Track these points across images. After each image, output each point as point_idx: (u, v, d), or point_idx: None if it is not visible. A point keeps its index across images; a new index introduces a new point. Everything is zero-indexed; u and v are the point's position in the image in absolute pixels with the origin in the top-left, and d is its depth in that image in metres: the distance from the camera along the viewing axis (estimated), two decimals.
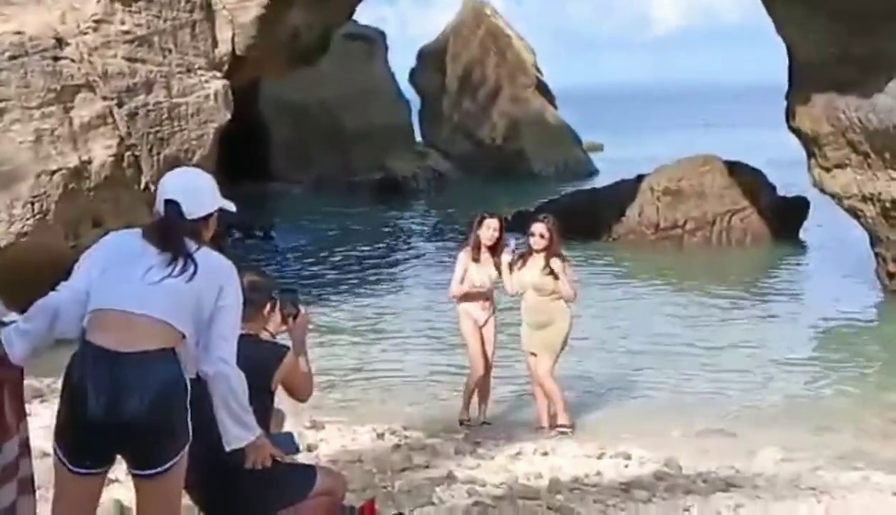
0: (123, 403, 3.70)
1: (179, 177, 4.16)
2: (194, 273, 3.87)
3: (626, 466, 7.68)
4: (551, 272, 8.67)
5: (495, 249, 8.92)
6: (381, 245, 22.33)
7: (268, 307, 5.08)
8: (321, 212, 26.82)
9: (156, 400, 3.73)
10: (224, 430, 4.02)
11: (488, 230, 8.89)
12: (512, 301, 9.36)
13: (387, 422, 8.98)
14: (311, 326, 5.31)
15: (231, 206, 4.22)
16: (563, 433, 8.75)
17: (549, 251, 8.71)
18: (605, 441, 8.53)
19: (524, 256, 8.85)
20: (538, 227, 8.76)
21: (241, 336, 4.14)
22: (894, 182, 14.63)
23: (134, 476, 3.88)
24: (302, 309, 5.17)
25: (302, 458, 6.42)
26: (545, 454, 8.00)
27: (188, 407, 3.84)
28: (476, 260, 8.92)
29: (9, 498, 3.85)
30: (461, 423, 9.13)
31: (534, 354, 8.91)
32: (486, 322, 9.03)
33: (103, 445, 3.79)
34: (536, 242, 8.74)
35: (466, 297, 9.02)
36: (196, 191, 4.07)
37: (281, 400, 5.10)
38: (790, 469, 7.71)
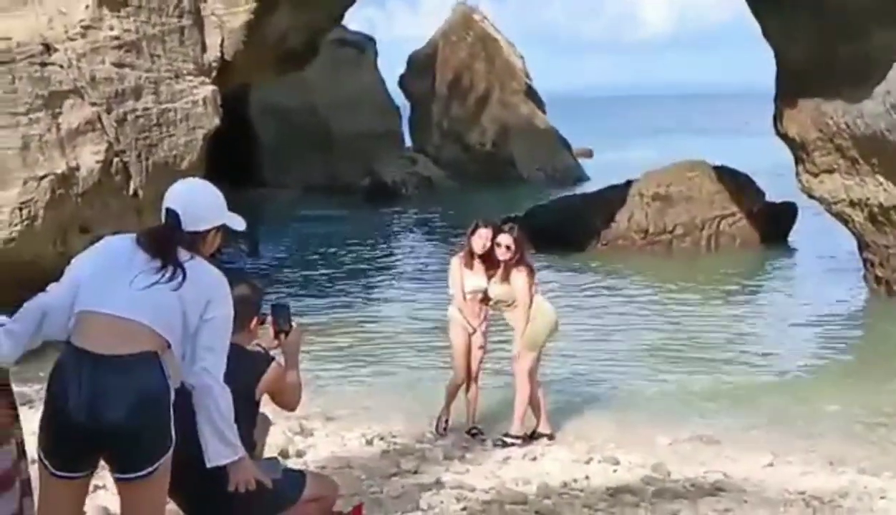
0: (104, 406, 3.69)
1: (185, 188, 4.14)
2: (182, 282, 3.86)
3: (615, 471, 7.68)
4: (507, 282, 8.61)
5: (488, 258, 8.87)
6: (368, 250, 22.32)
7: (254, 321, 5.02)
8: (309, 218, 26.79)
9: (137, 404, 3.72)
10: (206, 446, 3.96)
11: (480, 239, 8.82)
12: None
13: (376, 428, 8.97)
14: (303, 342, 5.25)
15: (239, 224, 4.17)
16: (505, 443, 8.52)
17: (511, 263, 8.61)
18: (593, 446, 8.53)
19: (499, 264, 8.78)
20: (503, 238, 8.66)
21: None
22: (882, 187, 14.67)
23: (117, 480, 3.87)
24: (294, 324, 5.13)
25: (291, 464, 6.43)
26: (534, 459, 8.01)
27: (171, 411, 3.82)
28: (469, 266, 8.88)
29: (14, 500, 3.83)
30: (437, 422, 9.01)
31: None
32: (475, 330, 8.98)
33: (85, 449, 3.78)
34: (502, 253, 8.68)
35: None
36: (198, 204, 4.05)
37: (267, 406, 5.09)
38: (778, 474, 7.72)
